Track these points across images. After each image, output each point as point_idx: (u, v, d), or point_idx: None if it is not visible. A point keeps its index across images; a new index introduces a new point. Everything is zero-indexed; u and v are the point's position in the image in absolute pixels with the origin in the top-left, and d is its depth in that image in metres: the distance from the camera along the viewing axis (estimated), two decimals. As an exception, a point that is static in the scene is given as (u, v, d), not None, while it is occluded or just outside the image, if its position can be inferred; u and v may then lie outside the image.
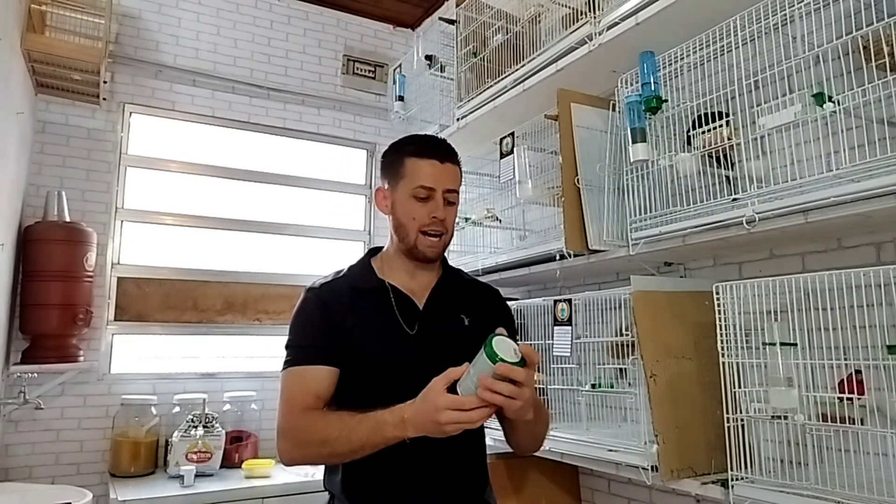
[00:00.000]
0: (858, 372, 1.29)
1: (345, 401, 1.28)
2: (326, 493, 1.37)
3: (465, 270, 2.36)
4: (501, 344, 1.07)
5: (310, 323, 1.33)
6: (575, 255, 1.88)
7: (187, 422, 2.65)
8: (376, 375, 1.29)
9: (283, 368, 1.31)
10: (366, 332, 1.31)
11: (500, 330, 1.11)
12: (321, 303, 1.33)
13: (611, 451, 1.71)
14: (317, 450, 1.23)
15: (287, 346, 1.33)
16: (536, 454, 1.90)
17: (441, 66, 2.77)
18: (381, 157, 1.43)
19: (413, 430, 1.12)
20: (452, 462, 1.31)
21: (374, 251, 1.46)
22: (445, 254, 1.45)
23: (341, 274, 1.41)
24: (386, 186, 1.38)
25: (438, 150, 1.35)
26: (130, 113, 3.02)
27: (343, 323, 1.30)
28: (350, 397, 1.27)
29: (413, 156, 1.33)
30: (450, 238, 1.38)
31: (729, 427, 1.40)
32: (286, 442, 1.26)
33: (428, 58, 2.84)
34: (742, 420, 1.39)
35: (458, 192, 1.37)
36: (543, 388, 2.06)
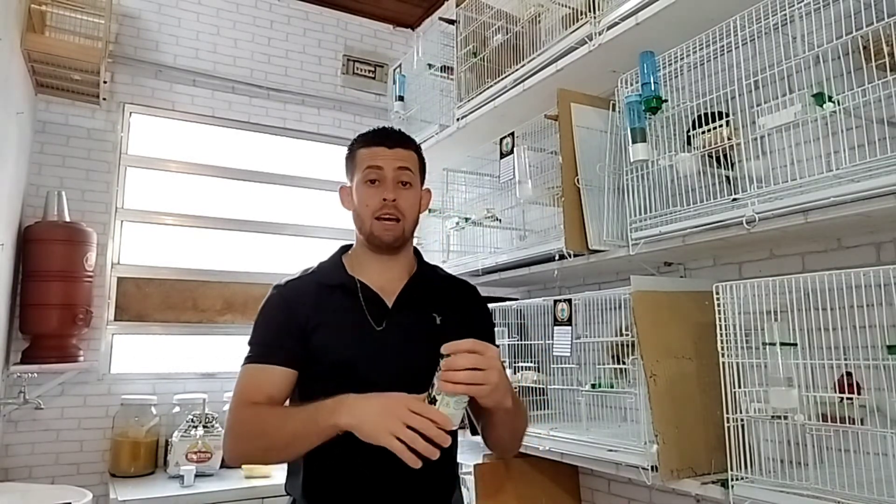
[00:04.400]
0: (849, 374, 1.30)
1: (309, 401, 1.20)
2: (287, 497, 1.32)
3: (466, 270, 2.33)
4: None
5: (272, 322, 1.30)
6: (575, 255, 1.88)
7: (187, 422, 2.66)
8: (341, 373, 1.24)
9: (242, 365, 1.28)
10: (331, 329, 1.27)
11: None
12: (284, 302, 1.31)
13: (611, 451, 1.71)
14: (254, 443, 1.19)
15: (248, 343, 1.30)
16: (536, 454, 1.91)
17: (441, 66, 2.76)
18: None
19: (349, 415, 1.06)
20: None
21: (345, 248, 1.44)
22: (419, 247, 1.41)
23: (310, 271, 1.38)
24: (348, 184, 1.40)
25: (387, 136, 1.36)
26: (130, 113, 3.02)
27: (306, 322, 1.27)
28: (315, 398, 1.18)
29: (363, 146, 1.36)
30: (410, 224, 1.35)
31: (729, 427, 1.39)
32: (228, 438, 1.21)
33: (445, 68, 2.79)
34: (742, 420, 1.39)
35: (413, 173, 1.35)
36: (543, 388, 2.06)
